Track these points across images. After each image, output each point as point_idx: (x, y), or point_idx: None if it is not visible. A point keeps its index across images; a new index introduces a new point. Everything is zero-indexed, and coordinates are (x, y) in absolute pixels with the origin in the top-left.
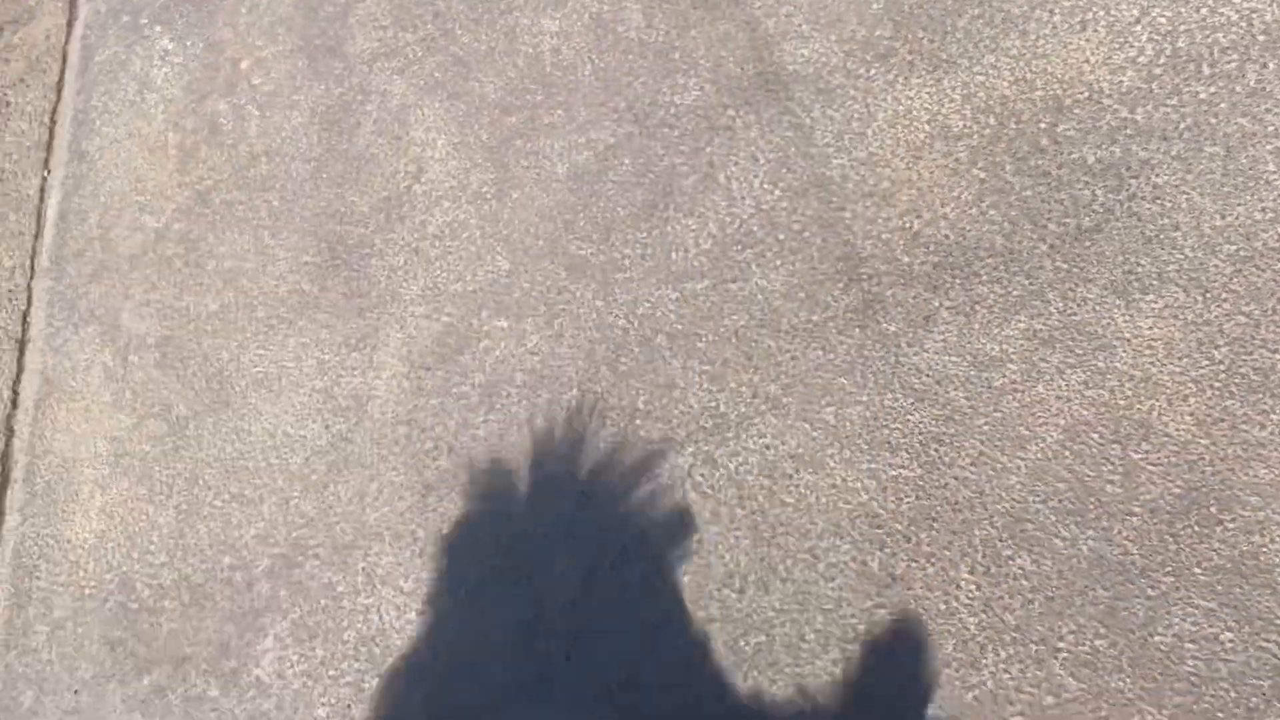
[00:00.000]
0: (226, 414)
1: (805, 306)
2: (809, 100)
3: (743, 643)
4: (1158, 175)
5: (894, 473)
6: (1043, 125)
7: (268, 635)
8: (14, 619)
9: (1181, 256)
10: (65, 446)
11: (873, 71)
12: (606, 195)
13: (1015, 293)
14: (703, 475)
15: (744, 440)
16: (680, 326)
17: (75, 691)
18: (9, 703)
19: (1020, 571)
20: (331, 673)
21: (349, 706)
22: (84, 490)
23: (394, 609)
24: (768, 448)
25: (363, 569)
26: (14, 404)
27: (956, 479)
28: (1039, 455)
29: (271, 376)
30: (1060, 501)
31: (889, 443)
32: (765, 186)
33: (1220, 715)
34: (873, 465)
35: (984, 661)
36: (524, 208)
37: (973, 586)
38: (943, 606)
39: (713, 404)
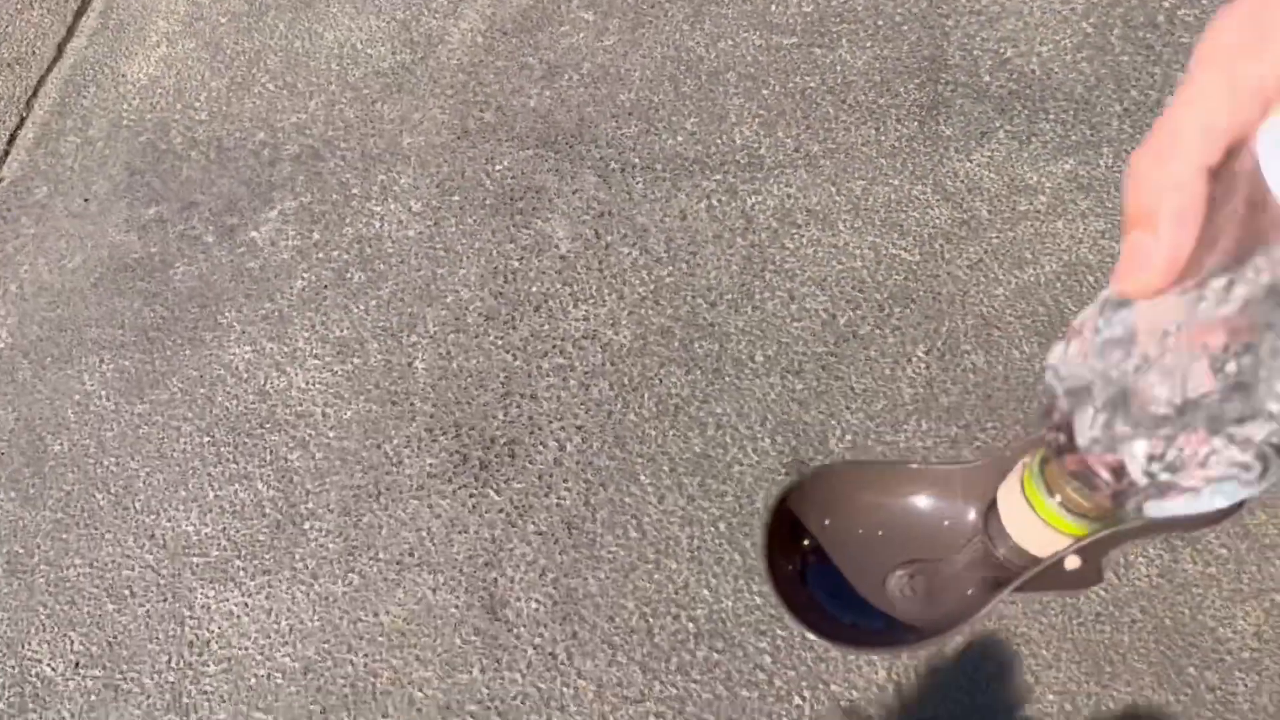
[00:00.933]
0: (306, 14)
1: (877, 89)
2: None
3: (697, 346)
4: None
5: (895, 252)
6: (1166, 4)
7: (274, 208)
8: (51, 123)
9: None
10: None
11: None
12: None
13: (1073, 138)
14: (719, 201)
15: (769, 184)
16: (753, 70)
17: (85, 200)
18: (23, 192)
19: (971, 366)
20: (320, 255)
21: (325, 287)
22: (151, 38)
23: (396, 222)
24: (789, 197)
25: (380, 181)
26: None
27: (948, 274)
28: (1032, 278)
29: None
30: (1034, 321)
31: (901, 226)
32: None
33: None
34: (878, 240)
35: (905, 426)
36: None
37: (922, 364)
38: (888, 372)
39: (755, 145)
